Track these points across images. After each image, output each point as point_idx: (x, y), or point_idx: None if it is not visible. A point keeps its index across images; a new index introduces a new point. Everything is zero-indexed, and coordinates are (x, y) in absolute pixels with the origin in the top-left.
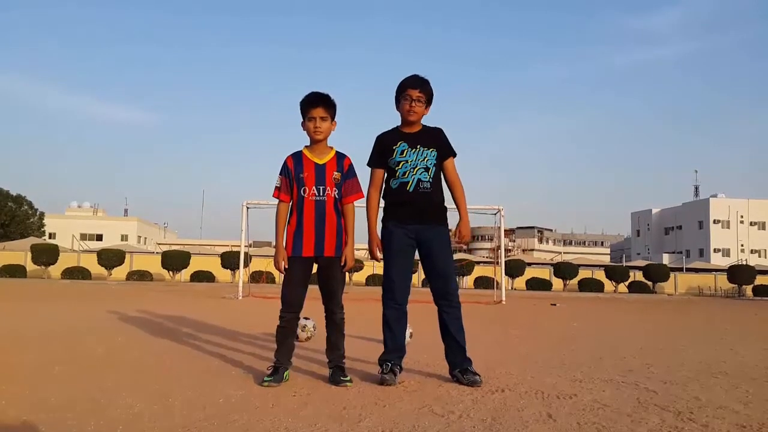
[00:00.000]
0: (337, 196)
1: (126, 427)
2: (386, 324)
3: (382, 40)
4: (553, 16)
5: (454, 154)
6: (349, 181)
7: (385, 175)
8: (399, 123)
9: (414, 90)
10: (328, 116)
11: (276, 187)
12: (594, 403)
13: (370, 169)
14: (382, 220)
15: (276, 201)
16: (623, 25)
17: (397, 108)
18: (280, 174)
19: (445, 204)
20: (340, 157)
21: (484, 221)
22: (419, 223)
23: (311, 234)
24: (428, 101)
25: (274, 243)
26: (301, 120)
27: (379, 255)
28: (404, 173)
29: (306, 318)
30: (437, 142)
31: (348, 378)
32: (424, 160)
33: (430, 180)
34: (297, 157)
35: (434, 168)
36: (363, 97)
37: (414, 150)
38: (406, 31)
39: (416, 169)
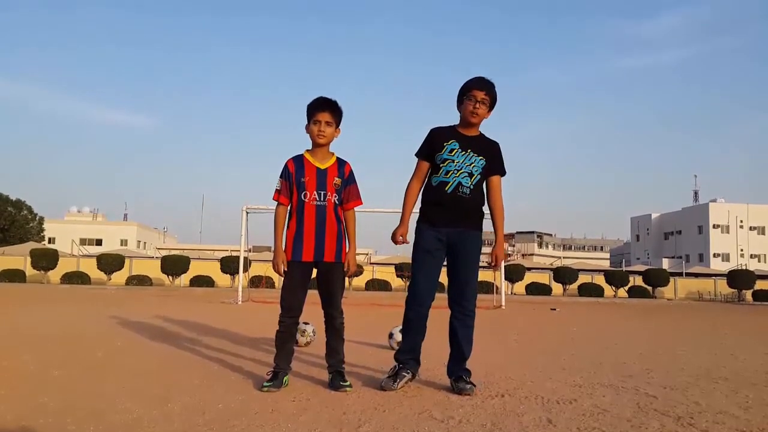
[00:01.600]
0: (337, 202)
1: (126, 431)
2: (404, 324)
3: (381, 45)
4: (552, 20)
5: (503, 173)
6: (349, 187)
7: (429, 170)
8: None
9: (480, 91)
10: (333, 122)
11: (276, 189)
12: (594, 408)
13: (416, 159)
14: (417, 221)
15: (275, 204)
16: (623, 29)
17: (459, 108)
18: (281, 177)
19: (483, 209)
20: (341, 163)
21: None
22: (453, 227)
23: (311, 238)
24: (492, 105)
25: (273, 247)
26: (306, 123)
27: (400, 239)
28: (447, 173)
29: (305, 323)
30: (490, 153)
31: (347, 383)
32: (470, 165)
33: (471, 186)
34: (298, 160)
35: (478, 176)
36: (363, 98)
37: (464, 153)
38: (406, 34)
39: (460, 172)
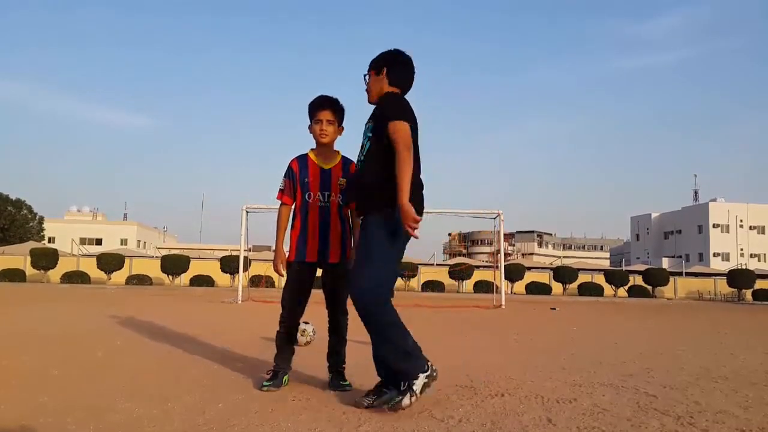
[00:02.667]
0: (341, 202)
1: (125, 431)
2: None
3: (381, 45)
4: (552, 20)
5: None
6: None
7: None
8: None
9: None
10: (335, 120)
11: (279, 189)
12: (594, 407)
13: None
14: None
15: (278, 203)
16: (623, 29)
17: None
18: (285, 176)
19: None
20: (346, 162)
21: (483, 225)
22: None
23: (315, 239)
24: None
25: (274, 246)
26: (309, 123)
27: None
28: None
29: (306, 322)
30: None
31: (347, 383)
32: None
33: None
34: (302, 160)
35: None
36: (363, 97)
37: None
38: (406, 35)
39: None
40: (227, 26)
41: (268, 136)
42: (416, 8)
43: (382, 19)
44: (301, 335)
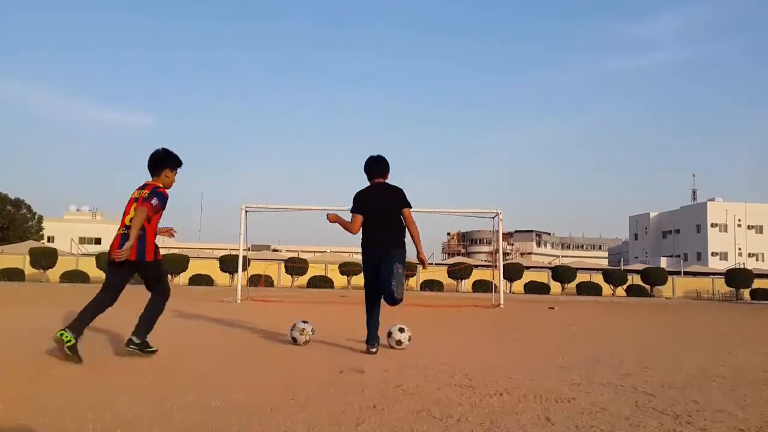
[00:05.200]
0: None
1: (124, 430)
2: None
3: (381, 46)
4: (552, 20)
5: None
6: None
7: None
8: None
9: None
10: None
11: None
12: (592, 406)
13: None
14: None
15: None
16: (621, 30)
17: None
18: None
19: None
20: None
21: (482, 225)
22: None
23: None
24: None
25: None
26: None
27: None
28: None
29: (304, 321)
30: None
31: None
32: None
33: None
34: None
35: None
36: (363, 97)
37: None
38: (405, 36)
39: None
40: (228, 27)
41: (268, 136)
42: (415, 9)
43: (382, 19)
44: (300, 334)
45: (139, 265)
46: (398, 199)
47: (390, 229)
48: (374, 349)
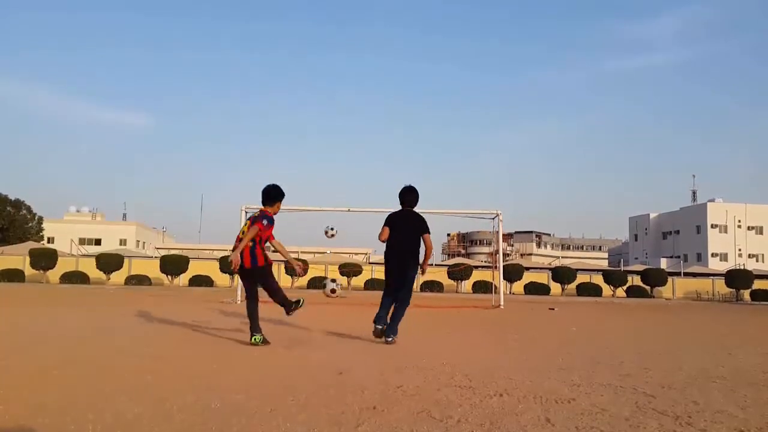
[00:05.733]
0: None
1: (124, 431)
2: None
3: (381, 46)
4: (552, 20)
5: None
6: None
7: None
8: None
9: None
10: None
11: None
12: (592, 407)
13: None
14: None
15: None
16: (621, 30)
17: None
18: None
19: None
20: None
21: (482, 225)
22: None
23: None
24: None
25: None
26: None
27: None
28: None
29: (333, 280)
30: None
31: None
32: None
33: None
34: None
35: None
36: (363, 97)
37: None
38: (405, 36)
39: None
40: (228, 27)
41: (268, 137)
42: (415, 9)
43: (382, 19)
44: (333, 291)
45: (254, 270)
46: (420, 224)
47: (409, 245)
48: (380, 326)
